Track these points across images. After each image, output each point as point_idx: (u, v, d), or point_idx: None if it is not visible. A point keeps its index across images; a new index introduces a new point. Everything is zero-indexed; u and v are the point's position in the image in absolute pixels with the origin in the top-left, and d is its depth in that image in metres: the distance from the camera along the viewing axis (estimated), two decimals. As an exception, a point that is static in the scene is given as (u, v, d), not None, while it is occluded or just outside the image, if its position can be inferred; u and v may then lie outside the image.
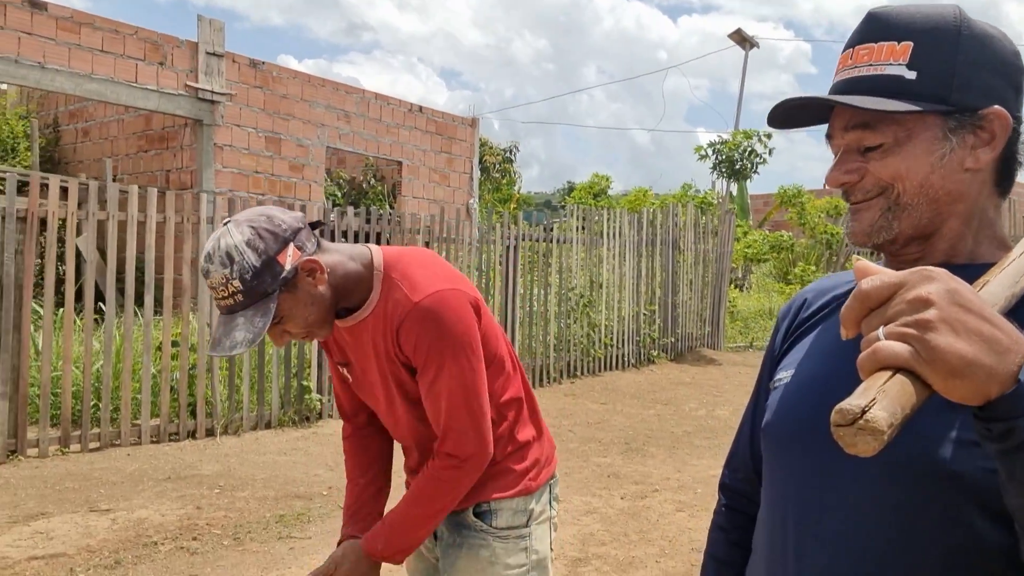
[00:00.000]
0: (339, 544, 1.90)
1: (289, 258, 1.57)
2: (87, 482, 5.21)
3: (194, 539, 4.34)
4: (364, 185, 16.89)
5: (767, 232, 18.28)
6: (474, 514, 1.83)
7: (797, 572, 0.91)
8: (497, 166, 20.72)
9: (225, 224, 1.59)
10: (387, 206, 14.60)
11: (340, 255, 1.69)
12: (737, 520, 1.18)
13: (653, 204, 15.07)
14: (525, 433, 1.86)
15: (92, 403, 6.07)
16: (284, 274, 1.56)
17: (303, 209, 7.20)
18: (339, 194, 15.74)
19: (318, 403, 7.19)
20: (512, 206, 18.92)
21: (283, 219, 1.59)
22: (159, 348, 6.48)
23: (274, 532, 4.48)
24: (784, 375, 1.01)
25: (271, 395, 6.91)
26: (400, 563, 1.82)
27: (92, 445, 5.94)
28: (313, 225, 1.70)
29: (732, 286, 14.58)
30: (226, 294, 1.55)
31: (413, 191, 14.78)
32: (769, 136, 16.24)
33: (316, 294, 1.63)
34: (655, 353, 10.85)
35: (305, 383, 7.16)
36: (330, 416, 7.27)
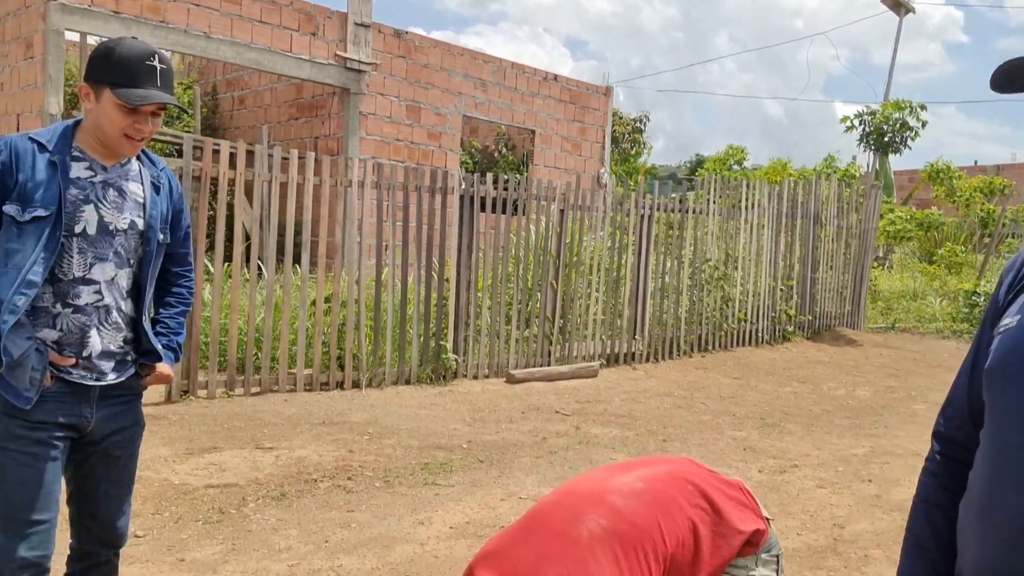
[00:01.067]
0: None
1: None
2: (251, 422, 5.65)
3: (349, 479, 4.65)
4: (495, 154, 17.14)
5: (913, 209, 17.33)
6: None
7: (1018, 505, 0.94)
8: (626, 136, 20.52)
9: None
10: (517, 175, 14.78)
11: None
12: (949, 467, 1.21)
13: (791, 175, 14.56)
14: (723, 538, 1.93)
15: (254, 352, 6.55)
16: None
17: (441, 177, 7.43)
18: (471, 163, 16.06)
19: (454, 363, 7.46)
20: (639, 177, 18.73)
21: None
22: (313, 304, 6.90)
23: (420, 478, 4.74)
24: (1009, 321, 1.04)
25: (411, 352, 7.23)
26: None
27: (254, 390, 6.43)
28: None
29: (874, 264, 13.94)
30: None
31: (545, 160, 14.88)
32: (924, 107, 15.31)
33: None
34: (790, 330, 10.57)
35: (443, 343, 7.44)
36: (464, 376, 7.53)
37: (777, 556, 1.99)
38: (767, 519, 2.02)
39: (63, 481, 2.34)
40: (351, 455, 5.08)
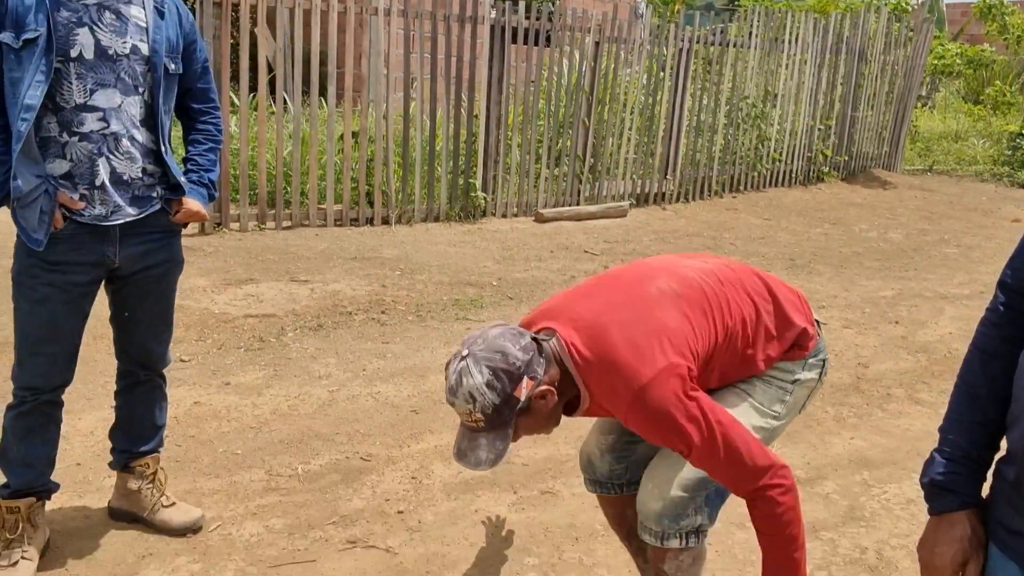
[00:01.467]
0: None
1: (524, 390, 1.70)
2: (284, 255, 5.74)
3: (382, 312, 4.76)
4: (526, -19, 16.25)
5: (964, 45, 16.44)
6: None
7: None
8: (665, -37, 19.28)
9: (463, 358, 1.71)
10: (550, 3, 14.06)
11: (554, 364, 1.76)
12: (1012, 317, 1.20)
13: (839, 8, 13.74)
14: (778, 329, 1.92)
15: (283, 187, 6.54)
16: (520, 405, 1.71)
17: (471, 5, 7.07)
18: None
19: (482, 200, 7.43)
20: (677, 7, 17.78)
21: (516, 355, 1.70)
22: (340, 138, 6.81)
23: (451, 313, 4.84)
24: None
25: (440, 190, 7.19)
26: None
27: (285, 224, 6.48)
28: (537, 341, 1.77)
29: (916, 105, 13.39)
30: (470, 421, 1.72)
31: (578, -11, 14.11)
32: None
33: (547, 411, 1.77)
34: (826, 171, 10.34)
35: (471, 180, 7.37)
36: (493, 214, 7.52)
37: (823, 360, 2.01)
38: (818, 323, 2.03)
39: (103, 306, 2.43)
40: (384, 290, 5.18)
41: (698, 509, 1.88)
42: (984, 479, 1.24)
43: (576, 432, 3.42)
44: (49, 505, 2.53)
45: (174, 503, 2.59)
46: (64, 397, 2.42)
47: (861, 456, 3.26)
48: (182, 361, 3.87)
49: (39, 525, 2.38)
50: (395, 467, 3.05)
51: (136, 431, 2.56)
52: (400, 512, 2.75)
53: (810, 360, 1.97)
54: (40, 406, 2.32)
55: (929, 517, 1.23)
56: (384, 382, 3.80)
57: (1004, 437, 1.22)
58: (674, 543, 1.86)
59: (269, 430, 3.28)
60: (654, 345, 1.72)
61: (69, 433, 3.11)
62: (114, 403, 2.58)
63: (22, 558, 2.28)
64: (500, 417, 1.70)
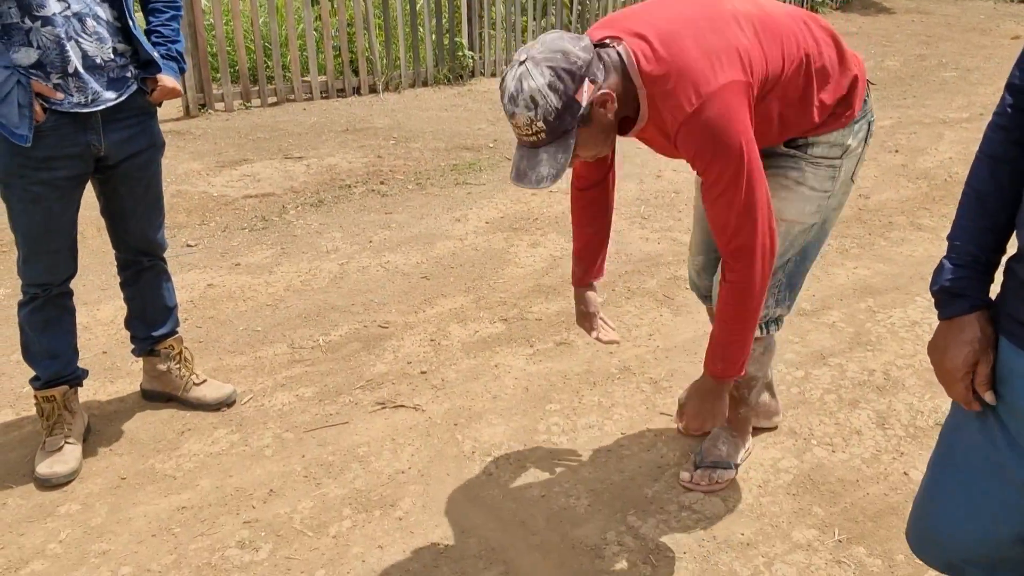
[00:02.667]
0: (576, 289, 2.23)
1: (585, 94, 1.61)
2: (275, 133, 5.64)
3: (381, 183, 4.73)
4: None
5: None
6: (787, 145, 1.90)
7: None
8: None
9: (523, 63, 1.60)
10: None
11: (614, 73, 1.67)
12: (1020, 120, 1.18)
13: None
14: (831, 77, 1.85)
15: (264, 61, 6.33)
16: (582, 111, 1.61)
17: None
18: None
19: (470, 61, 7.21)
20: None
21: (578, 55, 1.60)
22: (315, 2, 6.52)
23: (450, 179, 4.81)
24: None
25: (425, 52, 6.97)
26: (742, 374, 1.89)
27: (270, 100, 6.32)
28: (598, 45, 1.68)
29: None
30: (530, 132, 1.62)
31: None
32: None
33: (607, 123, 1.68)
34: (818, 1, 9.97)
35: (457, 39, 7.13)
36: (482, 74, 7.32)
37: (869, 122, 1.97)
38: (869, 83, 1.98)
39: (92, 199, 2.42)
40: (380, 160, 5.12)
41: (778, 302, 2.04)
42: (992, 281, 1.26)
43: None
44: (82, 393, 2.62)
45: (205, 380, 2.67)
46: (79, 290, 2.45)
47: (865, 284, 3.33)
48: (188, 246, 3.88)
49: (77, 411, 2.47)
50: (413, 332, 3.13)
51: (151, 317, 2.60)
52: (423, 372, 2.84)
53: (857, 124, 1.91)
54: (52, 299, 2.36)
55: (939, 323, 1.27)
56: (392, 252, 3.83)
57: (1013, 238, 1.25)
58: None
59: (286, 306, 3.34)
60: (723, 59, 1.65)
61: (90, 324, 3.17)
62: (123, 295, 2.62)
63: (66, 443, 2.38)
64: (562, 124, 1.61)
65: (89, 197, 2.39)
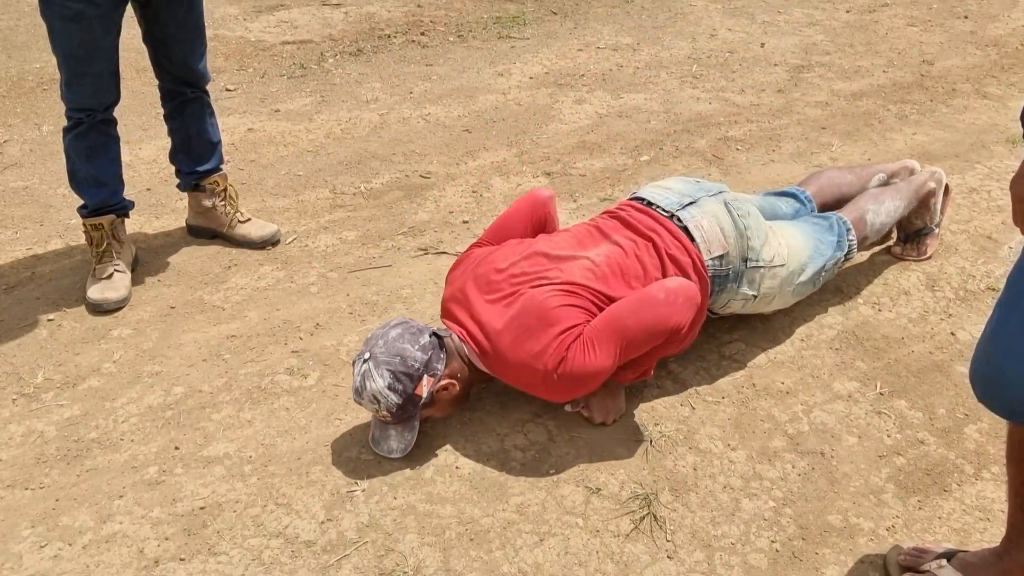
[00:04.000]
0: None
1: (425, 387, 1.81)
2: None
3: (422, 34, 4.58)
4: None
5: None
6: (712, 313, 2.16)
7: None
8: None
9: (365, 361, 1.79)
10: None
11: (457, 357, 1.88)
12: None
13: None
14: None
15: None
16: (423, 401, 1.82)
17: None
18: None
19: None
20: None
21: (415, 356, 1.80)
22: None
23: (493, 32, 4.63)
24: None
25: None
26: (648, 377, 2.01)
27: (306, -53, 6.06)
28: (437, 335, 1.87)
29: None
30: (378, 417, 1.85)
31: None
32: None
33: (451, 399, 1.89)
34: None
35: None
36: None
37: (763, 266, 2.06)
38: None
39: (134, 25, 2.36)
40: (420, 10, 4.93)
41: (827, 271, 2.22)
42: None
43: (630, 146, 3.41)
44: (128, 227, 2.64)
45: (250, 219, 2.68)
46: (120, 130, 2.43)
47: (923, 150, 3.21)
48: (228, 91, 3.82)
49: (125, 241, 2.50)
50: (455, 183, 3.09)
51: (196, 151, 2.59)
52: (465, 222, 2.82)
53: (727, 280, 2.04)
54: (96, 125, 2.34)
55: None
56: (433, 104, 3.74)
57: None
58: None
59: (326, 153, 3.30)
60: (547, 328, 1.80)
61: (133, 162, 3.16)
62: (167, 127, 2.59)
63: (116, 271, 2.42)
64: (405, 413, 1.82)
65: (128, 36, 2.33)
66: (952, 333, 2.24)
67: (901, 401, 2.02)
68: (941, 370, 2.11)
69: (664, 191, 2.10)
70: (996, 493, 1.76)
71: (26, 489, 1.81)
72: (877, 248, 2.58)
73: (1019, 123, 1.21)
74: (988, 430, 1.92)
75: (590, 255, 1.94)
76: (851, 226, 2.24)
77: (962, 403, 1.99)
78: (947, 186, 2.52)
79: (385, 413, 1.81)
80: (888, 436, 1.92)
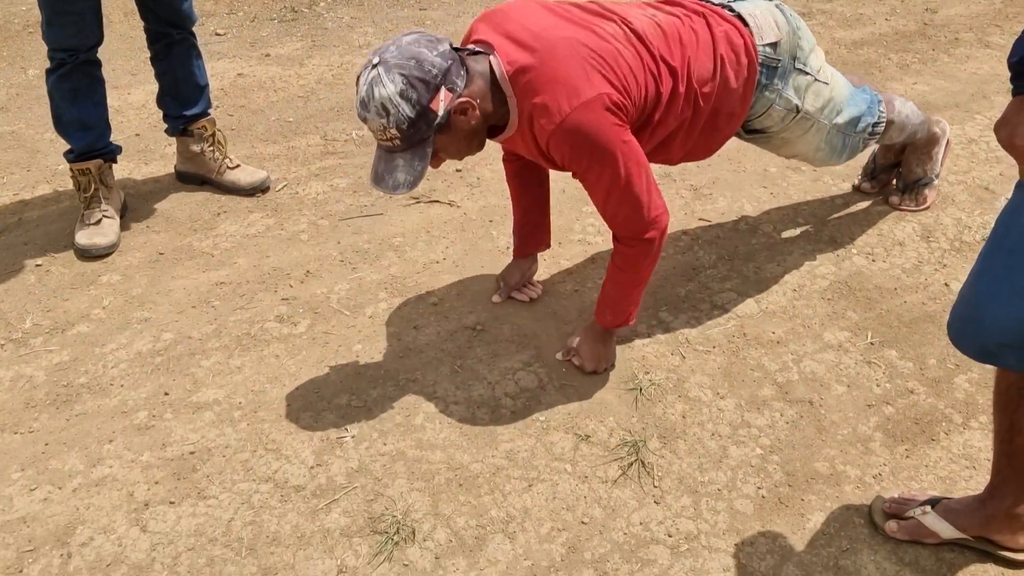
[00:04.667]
0: (513, 259, 2.19)
1: (442, 103, 1.57)
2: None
3: (416, -22, 4.48)
4: None
5: None
6: (747, 132, 2.06)
7: None
8: None
9: (375, 66, 1.54)
10: None
11: (481, 80, 1.64)
12: None
13: None
14: (733, 72, 1.87)
15: None
16: (438, 119, 1.58)
17: None
18: None
19: None
20: None
21: (433, 62, 1.55)
22: None
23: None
24: None
25: None
26: (631, 322, 1.94)
27: None
28: (458, 50, 1.64)
29: None
30: (385, 138, 1.59)
31: None
32: None
33: (469, 128, 1.65)
34: None
35: None
36: None
37: (782, 63, 1.92)
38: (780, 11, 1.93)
39: None
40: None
41: (859, 132, 2.14)
42: None
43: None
44: (117, 172, 2.61)
45: (239, 165, 2.65)
46: (108, 75, 2.38)
47: (923, 100, 3.16)
48: (217, 35, 3.75)
49: (112, 186, 2.47)
50: (447, 129, 3.04)
51: (183, 94, 2.54)
52: (458, 171, 2.79)
53: (771, 84, 1.93)
54: (79, 66, 2.29)
55: (1012, 99, 1.17)
56: (426, 49, 3.67)
57: None
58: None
59: (317, 99, 3.25)
60: (597, 71, 1.63)
61: (122, 107, 3.11)
62: (154, 71, 2.54)
63: (103, 216, 2.39)
64: (417, 133, 1.58)
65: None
66: (946, 284, 2.23)
67: (892, 351, 2.02)
68: (933, 320, 2.10)
69: None
70: (983, 442, 1.77)
71: (15, 433, 1.81)
72: (875, 199, 2.56)
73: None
74: (978, 380, 1.92)
75: (650, 14, 1.83)
76: (882, 99, 2.20)
77: (953, 353, 1.99)
78: (948, 140, 2.49)
79: (394, 132, 1.56)
80: (877, 385, 1.92)
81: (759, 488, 1.68)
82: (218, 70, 3.39)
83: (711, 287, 2.23)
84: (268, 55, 3.59)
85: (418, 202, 2.61)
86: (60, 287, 2.24)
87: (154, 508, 1.64)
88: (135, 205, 2.58)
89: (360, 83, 1.58)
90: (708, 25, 1.85)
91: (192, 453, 1.76)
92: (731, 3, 1.95)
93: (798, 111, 1.98)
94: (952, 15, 3.98)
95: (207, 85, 2.58)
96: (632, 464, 1.73)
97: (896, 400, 1.88)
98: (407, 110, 1.54)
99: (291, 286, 2.24)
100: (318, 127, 3.05)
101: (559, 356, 1.99)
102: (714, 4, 1.93)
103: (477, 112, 1.63)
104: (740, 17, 1.90)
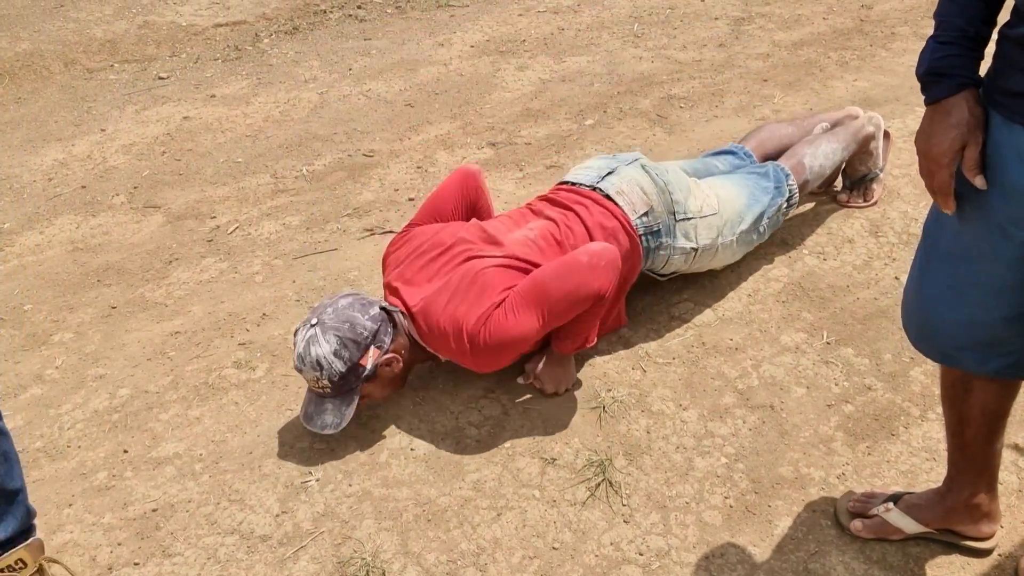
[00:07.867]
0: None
1: (370, 359, 1.78)
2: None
3: (359, 8, 4.49)
4: None
5: None
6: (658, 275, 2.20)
7: None
8: None
9: (312, 326, 1.75)
10: None
11: (402, 335, 1.85)
12: None
13: None
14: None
15: None
16: (366, 373, 1.78)
17: None
18: None
19: None
20: None
21: (364, 324, 1.77)
22: None
23: (432, 2, 4.55)
24: None
25: None
26: (591, 344, 1.94)
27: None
28: (387, 311, 1.84)
29: None
30: (317, 387, 1.78)
31: None
32: None
33: (393, 376, 1.85)
34: None
35: None
36: None
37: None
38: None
39: None
40: (356, -17, 4.83)
41: (770, 217, 2.22)
42: (982, 58, 1.18)
43: (575, 110, 3.38)
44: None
45: None
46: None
47: (864, 96, 3.22)
48: (160, 79, 3.72)
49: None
50: (399, 159, 3.05)
51: None
52: (411, 199, 2.79)
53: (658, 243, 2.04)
54: None
55: (925, 109, 1.19)
56: (373, 79, 3.68)
57: (1004, 8, 1.15)
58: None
59: (265, 136, 3.24)
60: (480, 297, 1.79)
61: (67, 160, 3.07)
62: None
63: (55, 275, 2.35)
64: (346, 384, 1.77)
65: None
66: (896, 277, 2.26)
67: (848, 349, 2.04)
68: (886, 315, 2.13)
69: (584, 170, 2.15)
70: (941, 433, 1.80)
71: (-29, 505, 1.77)
72: (821, 198, 2.59)
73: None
74: (933, 371, 1.95)
75: (526, 231, 1.97)
76: (790, 172, 2.26)
77: (907, 347, 2.02)
78: (887, 132, 2.53)
79: (326, 383, 1.75)
80: (836, 384, 1.94)
81: (726, 498, 1.69)
82: (163, 115, 3.36)
83: (668, 299, 2.24)
84: (214, 96, 3.57)
85: (372, 234, 2.61)
86: (10, 351, 2.20)
87: (118, 571, 1.61)
88: (85, 259, 2.55)
89: (298, 338, 1.77)
90: (580, 218, 1.99)
91: (155, 511, 1.73)
92: (598, 184, 2.06)
93: (696, 250, 2.10)
94: (887, 10, 4.06)
95: (20, 490, 1.53)
96: (599, 484, 1.73)
97: (855, 398, 1.90)
98: (339, 366, 1.74)
99: (247, 330, 2.22)
100: (267, 165, 3.03)
101: (520, 380, 1.99)
102: (585, 188, 2.06)
103: (401, 364, 1.84)
104: (609, 197, 2.03)
